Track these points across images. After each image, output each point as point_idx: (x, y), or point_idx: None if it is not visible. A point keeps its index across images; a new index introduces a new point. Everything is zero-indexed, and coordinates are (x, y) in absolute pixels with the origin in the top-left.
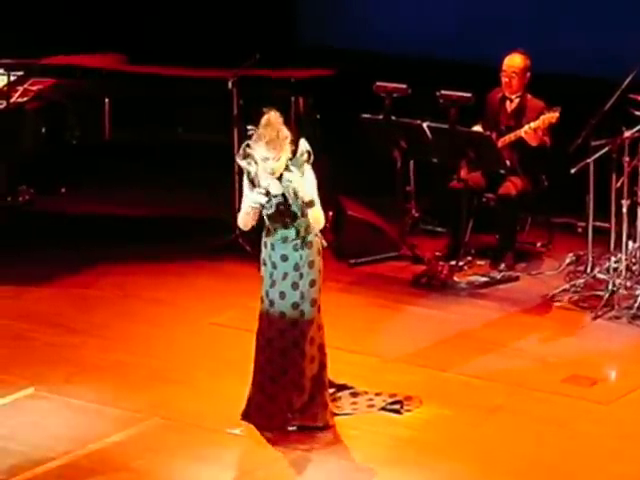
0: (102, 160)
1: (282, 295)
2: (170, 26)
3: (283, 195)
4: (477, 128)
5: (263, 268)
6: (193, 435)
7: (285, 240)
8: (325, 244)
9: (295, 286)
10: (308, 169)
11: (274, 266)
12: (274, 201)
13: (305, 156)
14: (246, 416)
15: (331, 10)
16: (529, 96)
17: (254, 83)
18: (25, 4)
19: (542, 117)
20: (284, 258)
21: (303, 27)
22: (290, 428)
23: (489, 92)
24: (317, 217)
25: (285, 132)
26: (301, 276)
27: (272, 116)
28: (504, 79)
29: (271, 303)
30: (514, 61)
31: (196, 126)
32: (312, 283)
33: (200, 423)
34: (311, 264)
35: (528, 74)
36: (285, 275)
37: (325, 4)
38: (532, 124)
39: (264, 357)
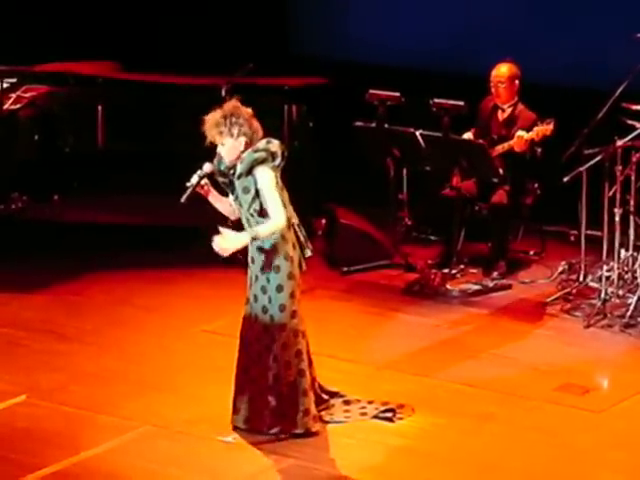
0: (95, 168)
1: (255, 298)
2: (164, 34)
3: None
4: (467, 136)
5: (248, 270)
6: (184, 443)
7: (252, 241)
8: (310, 253)
9: (264, 290)
10: (262, 171)
11: (249, 267)
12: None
13: (261, 154)
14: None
15: (325, 19)
16: (521, 106)
17: (247, 91)
18: (18, 11)
19: (536, 129)
20: (252, 260)
21: (297, 36)
22: (272, 431)
23: (482, 100)
24: (272, 228)
25: (228, 121)
26: (268, 280)
27: (229, 103)
28: (492, 89)
29: (250, 305)
30: (500, 70)
31: (189, 134)
32: (279, 288)
33: (191, 431)
34: (276, 269)
35: (517, 82)
36: (256, 277)
37: (319, 13)
38: (526, 134)
39: (247, 357)
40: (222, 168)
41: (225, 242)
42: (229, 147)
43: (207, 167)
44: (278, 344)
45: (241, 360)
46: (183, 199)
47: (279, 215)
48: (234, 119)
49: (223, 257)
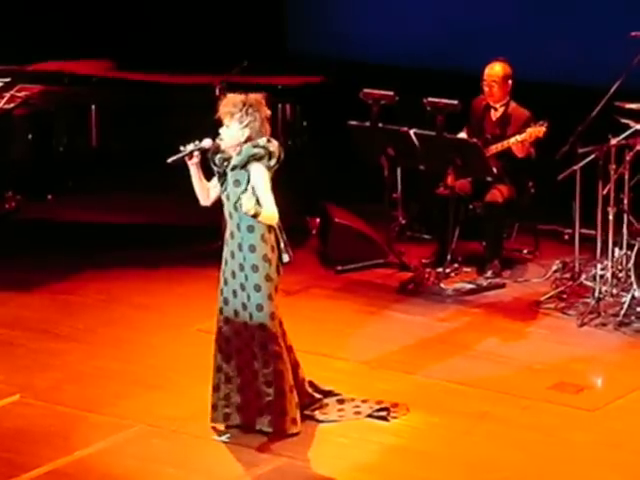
0: (89, 167)
1: (234, 293)
2: (160, 32)
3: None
4: (462, 135)
5: (222, 266)
6: (179, 442)
7: (232, 235)
8: (287, 259)
9: (242, 287)
10: (257, 167)
11: (226, 263)
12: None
13: (260, 151)
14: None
15: (320, 18)
16: (514, 104)
17: (241, 90)
18: (12, 10)
19: (529, 130)
20: (232, 255)
21: (292, 34)
22: (256, 427)
23: (474, 99)
24: (267, 218)
25: (245, 108)
26: (246, 278)
27: (256, 94)
28: (485, 88)
29: (225, 301)
30: (494, 70)
31: (183, 132)
32: (256, 288)
33: (186, 430)
34: (254, 268)
35: (510, 82)
36: (233, 273)
37: (314, 12)
38: (519, 137)
39: (222, 355)
40: (217, 160)
41: (246, 200)
42: (232, 132)
43: (206, 142)
44: (257, 343)
45: (216, 357)
46: (170, 160)
47: (272, 208)
48: (251, 110)
49: None
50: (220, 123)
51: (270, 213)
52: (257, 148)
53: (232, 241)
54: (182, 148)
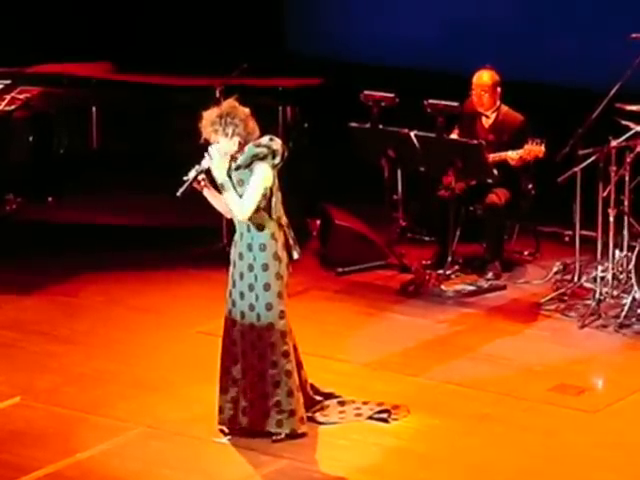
0: (89, 169)
1: (242, 295)
2: (159, 34)
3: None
4: (453, 136)
5: (230, 268)
6: (179, 444)
7: (241, 237)
8: (296, 256)
9: (251, 287)
10: (260, 167)
11: (234, 265)
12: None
13: (263, 150)
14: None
15: (319, 20)
16: (505, 109)
17: (242, 92)
18: (13, 12)
19: (527, 147)
20: (240, 256)
21: (291, 36)
22: (257, 429)
23: (465, 100)
24: (234, 207)
25: (223, 121)
26: (255, 278)
27: (227, 102)
28: (474, 97)
29: (233, 303)
30: (482, 79)
31: (183, 134)
32: (266, 287)
33: (186, 432)
34: (265, 267)
35: (499, 89)
36: (242, 275)
37: (314, 14)
38: (516, 154)
39: (228, 358)
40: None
41: (216, 157)
42: (223, 146)
43: (205, 162)
44: (265, 343)
45: (224, 359)
46: (179, 193)
47: (248, 207)
48: (229, 119)
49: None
50: (209, 143)
51: (241, 207)
52: (260, 147)
53: (241, 242)
54: (185, 177)
